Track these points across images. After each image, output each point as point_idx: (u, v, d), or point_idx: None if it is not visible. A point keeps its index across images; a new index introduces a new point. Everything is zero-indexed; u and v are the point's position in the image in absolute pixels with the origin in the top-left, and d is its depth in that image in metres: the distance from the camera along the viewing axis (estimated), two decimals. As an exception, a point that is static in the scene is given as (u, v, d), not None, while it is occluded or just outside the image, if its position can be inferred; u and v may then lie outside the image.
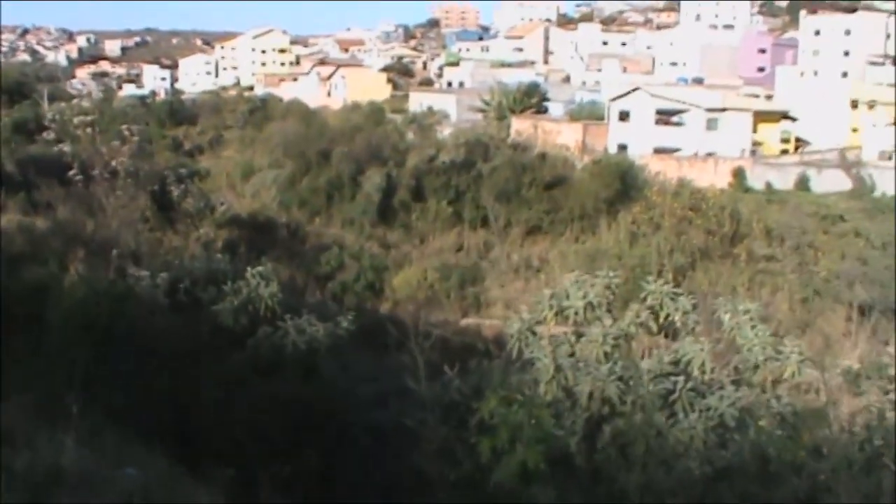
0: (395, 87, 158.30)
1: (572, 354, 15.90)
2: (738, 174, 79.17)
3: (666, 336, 18.70)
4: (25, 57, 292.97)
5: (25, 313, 15.49)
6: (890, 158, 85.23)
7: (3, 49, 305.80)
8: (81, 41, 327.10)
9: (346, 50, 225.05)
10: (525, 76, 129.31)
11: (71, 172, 37.45)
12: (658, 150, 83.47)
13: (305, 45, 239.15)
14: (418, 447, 14.14)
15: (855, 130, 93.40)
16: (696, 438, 14.17)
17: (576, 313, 17.05)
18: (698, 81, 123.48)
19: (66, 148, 40.29)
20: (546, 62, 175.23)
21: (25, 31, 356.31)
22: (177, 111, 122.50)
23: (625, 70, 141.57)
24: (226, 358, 18.76)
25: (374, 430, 18.25)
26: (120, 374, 14.67)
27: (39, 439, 9.25)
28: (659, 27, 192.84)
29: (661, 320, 17.41)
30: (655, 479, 12.77)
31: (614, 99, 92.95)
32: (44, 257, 24.82)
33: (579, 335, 17.16)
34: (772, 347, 17.00)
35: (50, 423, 10.01)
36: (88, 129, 39.82)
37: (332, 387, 19.90)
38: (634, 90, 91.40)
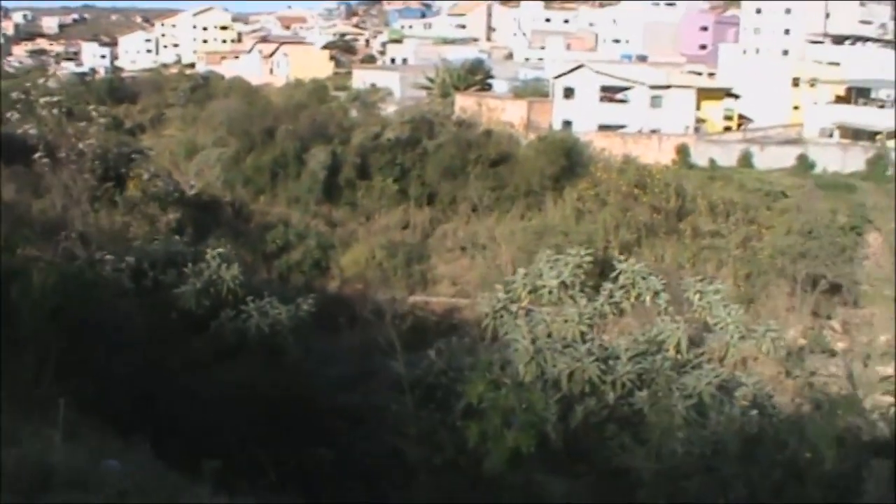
0: (338, 64, 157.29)
1: (549, 335, 15.71)
2: (682, 151, 79.38)
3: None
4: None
5: None
6: (831, 136, 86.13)
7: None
8: (17, 18, 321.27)
9: (288, 27, 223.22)
10: (468, 53, 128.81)
11: (37, 155, 36.52)
12: (603, 127, 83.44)
13: (247, 23, 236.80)
14: (395, 430, 13.81)
15: (796, 108, 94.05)
16: (676, 417, 14.04)
17: (550, 292, 16.85)
18: (642, 59, 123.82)
19: (31, 130, 39.19)
20: (489, 39, 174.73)
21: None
22: (117, 89, 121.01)
23: (568, 47, 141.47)
24: (189, 342, 18.43)
25: (343, 412, 17.91)
26: (90, 362, 14.31)
27: (23, 435, 8.93)
28: (602, 4, 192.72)
29: (632, 300, 17.31)
30: (637, 459, 12.64)
31: (559, 76, 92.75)
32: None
33: (554, 315, 16.95)
34: (745, 326, 16.95)
35: (26, 416, 9.75)
36: (55, 111, 38.78)
37: (297, 369, 19.49)
38: (579, 67, 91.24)
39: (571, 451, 13.39)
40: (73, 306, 14.87)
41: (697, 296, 17.36)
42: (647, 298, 16.94)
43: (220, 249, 21.78)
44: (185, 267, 20.89)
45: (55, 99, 38.66)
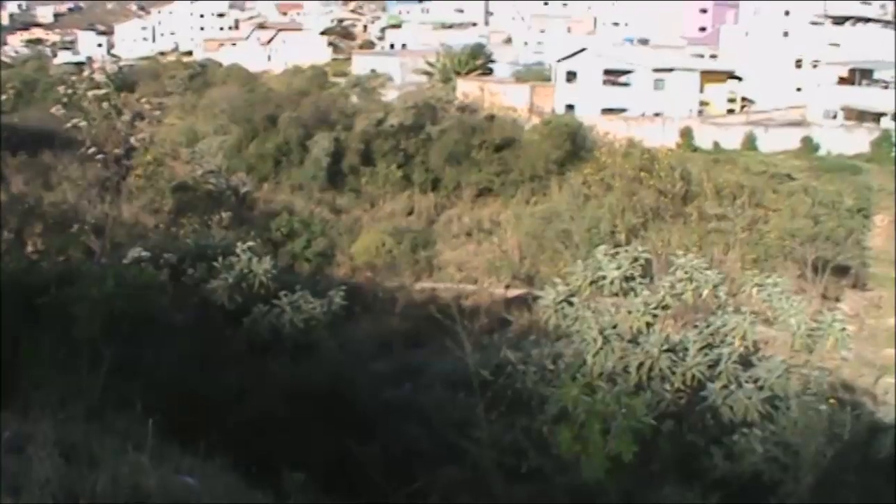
0: (336, 50, 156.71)
1: (615, 326, 15.31)
2: (686, 134, 79.20)
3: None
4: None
5: (49, 305, 14.73)
6: (834, 117, 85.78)
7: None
8: (12, 7, 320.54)
9: (285, 13, 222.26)
10: (468, 38, 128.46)
11: (90, 150, 35.99)
12: (606, 111, 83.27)
13: (243, 10, 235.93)
14: (458, 430, 13.20)
15: (799, 90, 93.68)
16: (750, 410, 13.69)
17: (611, 283, 16.42)
18: (644, 42, 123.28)
19: (80, 123, 38.58)
20: (487, 24, 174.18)
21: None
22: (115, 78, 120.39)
23: (569, 30, 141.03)
24: (226, 339, 18.05)
25: (390, 408, 17.35)
26: (145, 369, 14.01)
27: (104, 454, 8.60)
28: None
29: (691, 293, 16.93)
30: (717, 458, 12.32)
31: (561, 60, 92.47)
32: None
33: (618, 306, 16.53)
34: (811, 317, 16.58)
35: (103, 431, 9.48)
36: (104, 104, 38.14)
37: (336, 365, 18.95)
38: (581, 51, 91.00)
39: (663, 454, 12.97)
40: (128, 311, 14.54)
41: (756, 289, 16.95)
42: (705, 291, 16.50)
43: (251, 243, 21.26)
44: (214, 261, 20.39)
45: (103, 92, 37.97)
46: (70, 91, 36.23)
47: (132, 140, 35.43)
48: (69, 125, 36.37)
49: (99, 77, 35.57)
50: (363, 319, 28.85)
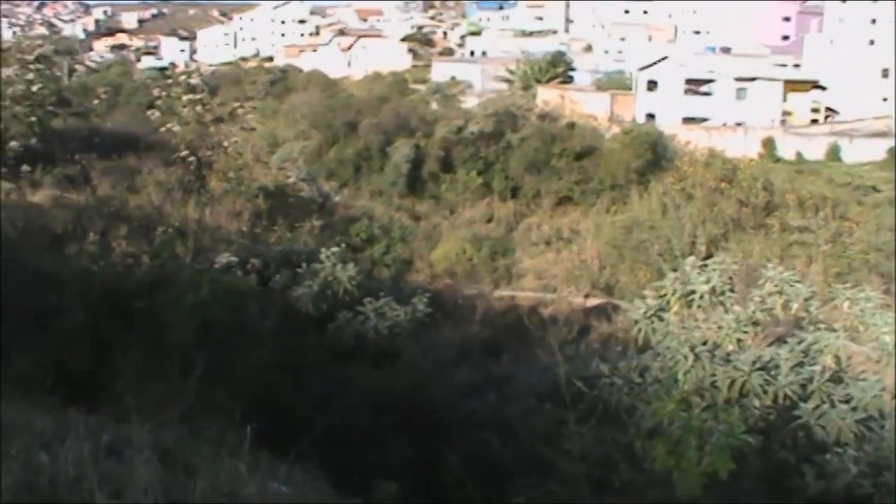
0: (416, 56, 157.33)
1: (705, 342, 15.13)
2: (769, 144, 78.39)
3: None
4: (43, 30, 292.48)
5: (141, 310, 14.94)
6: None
7: (20, 23, 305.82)
8: (98, 14, 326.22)
9: (365, 19, 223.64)
10: (548, 45, 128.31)
11: (182, 153, 36.44)
12: (686, 120, 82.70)
13: (324, 16, 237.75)
14: (545, 441, 13.12)
15: (885, 100, 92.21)
16: (844, 431, 13.46)
17: (701, 297, 16.20)
18: (726, 50, 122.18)
19: (174, 128, 39.02)
20: (567, 31, 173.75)
21: (42, 5, 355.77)
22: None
23: (650, 39, 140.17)
24: (311, 347, 18.14)
25: (473, 418, 17.25)
26: (234, 375, 14.14)
27: (199, 460, 8.69)
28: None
29: (781, 307, 16.64)
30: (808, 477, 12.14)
31: (643, 68, 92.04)
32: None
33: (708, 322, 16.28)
34: None
35: (196, 437, 9.58)
36: (198, 108, 38.53)
37: (418, 373, 18.93)
38: (663, 59, 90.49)
39: (752, 471, 12.77)
40: (220, 317, 14.69)
41: (847, 303, 16.62)
42: (795, 305, 16.21)
43: (335, 249, 21.37)
44: (299, 267, 20.51)
45: (197, 97, 38.31)
46: (164, 94, 36.58)
47: (224, 144, 35.69)
48: (163, 129, 36.81)
49: (194, 81, 35.77)
50: (443, 327, 28.81)
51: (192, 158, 34.62)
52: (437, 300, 32.71)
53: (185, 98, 39.63)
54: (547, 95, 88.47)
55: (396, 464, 13.89)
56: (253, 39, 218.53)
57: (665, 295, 16.29)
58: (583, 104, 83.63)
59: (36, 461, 7.34)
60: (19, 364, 12.81)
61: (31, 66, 35.91)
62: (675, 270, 17.50)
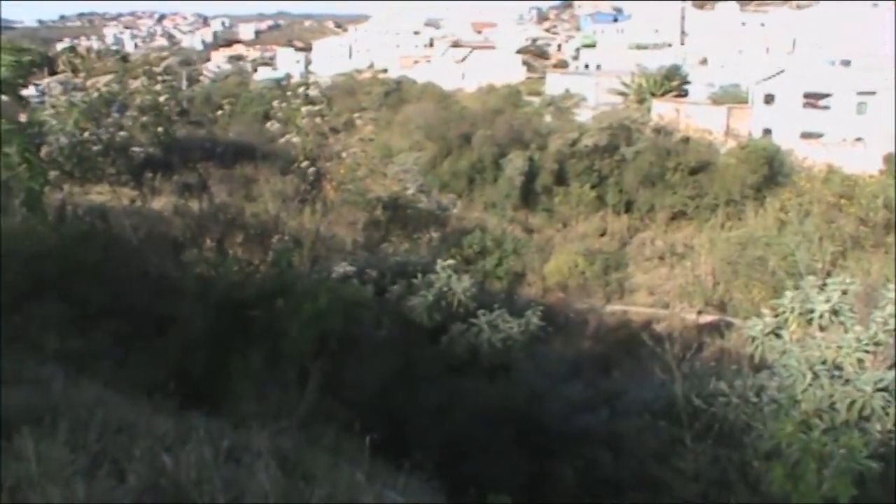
0: (530, 69, 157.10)
1: (824, 362, 14.82)
2: (890, 160, 76.47)
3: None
4: (163, 42, 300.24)
5: (260, 318, 15.15)
6: None
7: (142, 34, 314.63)
8: (216, 25, 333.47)
9: (479, 32, 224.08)
10: (663, 58, 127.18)
11: (304, 164, 36.93)
12: (804, 135, 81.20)
13: (438, 28, 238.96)
14: (657, 460, 13.02)
15: None
16: None
17: (821, 316, 15.83)
18: (845, 63, 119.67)
19: (294, 139, 39.59)
20: (682, 43, 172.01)
21: (162, 17, 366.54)
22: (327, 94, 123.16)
23: (767, 51, 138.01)
24: (425, 358, 18.18)
25: (584, 434, 17.21)
26: (350, 385, 14.27)
27: (317, 468, 8.79)
28: (798, 5, 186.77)
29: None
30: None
31: (759, 82, 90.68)
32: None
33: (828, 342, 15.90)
34: None
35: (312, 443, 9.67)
36: (317, 120, 39.04)
37: (531, 387, 18.89)
38: (780, 72, 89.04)
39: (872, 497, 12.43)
40: (338, 327, 14.79)
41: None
42: None
43: (451, 260, 21.41)
44: (414, 278, 20.57)
45: (317, 108, 38.77)
46: (283, 104, 37.00)
47: (343, 154, 35.98)
48: (282, 140, 37.23)
49: (312, 93, 36.07)
50: (555, 341, 28.69)
51: (311, 169, 34.90)
52: (549, 314, 32.61)
53: (303, 109, 39.98)
54: (662, 109, 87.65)
55: (509, 477, 13.88)
56: (367, 51, 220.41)
57: (783, 313, 15.96)
58: (698, 118, 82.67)
59: (159, 462, 7.46)
60: (141, 367, 13.06)
61: (158, 78, 36.55)
62: (796, 288, 17.15)
